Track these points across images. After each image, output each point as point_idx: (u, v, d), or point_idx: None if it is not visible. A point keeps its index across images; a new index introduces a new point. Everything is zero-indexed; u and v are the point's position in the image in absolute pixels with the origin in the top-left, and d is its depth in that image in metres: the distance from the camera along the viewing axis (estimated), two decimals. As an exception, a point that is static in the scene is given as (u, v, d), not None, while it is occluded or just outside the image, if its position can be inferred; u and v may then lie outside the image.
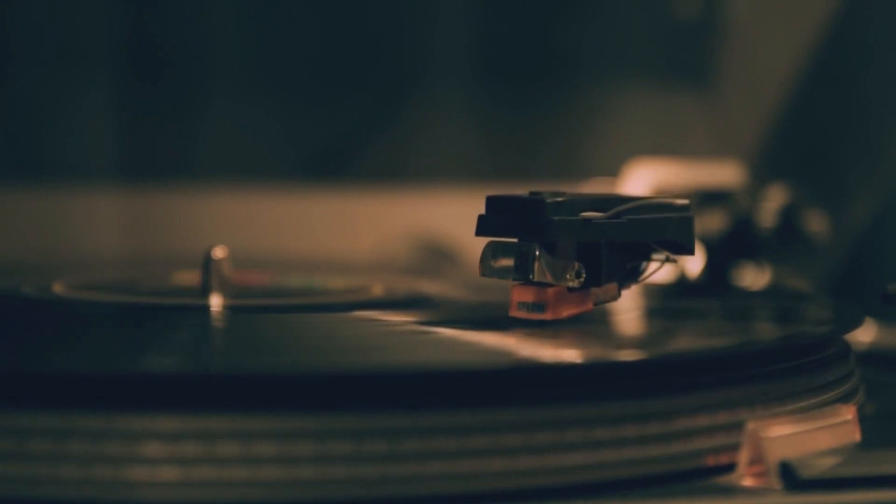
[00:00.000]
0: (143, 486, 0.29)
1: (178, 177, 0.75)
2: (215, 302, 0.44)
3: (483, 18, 0.79)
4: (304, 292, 0.50)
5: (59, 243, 0.73)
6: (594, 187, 0.67)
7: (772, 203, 0.59)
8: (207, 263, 0.45)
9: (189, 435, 0.29)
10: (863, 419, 0.36)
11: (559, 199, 0.37)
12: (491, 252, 0.38)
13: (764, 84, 0.76)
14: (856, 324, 0.41)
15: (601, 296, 0.39)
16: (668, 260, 0.40)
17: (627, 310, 0.43)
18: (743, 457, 0.33)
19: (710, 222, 0.59)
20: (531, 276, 0.37)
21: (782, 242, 0.59)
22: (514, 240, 0.38)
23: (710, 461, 0.33)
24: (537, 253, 0.37)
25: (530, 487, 0.31)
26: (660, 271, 0.40)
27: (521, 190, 0.39)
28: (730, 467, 0.33)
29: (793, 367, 0.36)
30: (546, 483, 0.31)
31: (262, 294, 0.50)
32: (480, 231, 0.38)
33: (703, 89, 0.79)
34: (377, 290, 0.49)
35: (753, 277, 0.58)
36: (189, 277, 0.50)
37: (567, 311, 0.38)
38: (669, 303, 0.49)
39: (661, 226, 0.39)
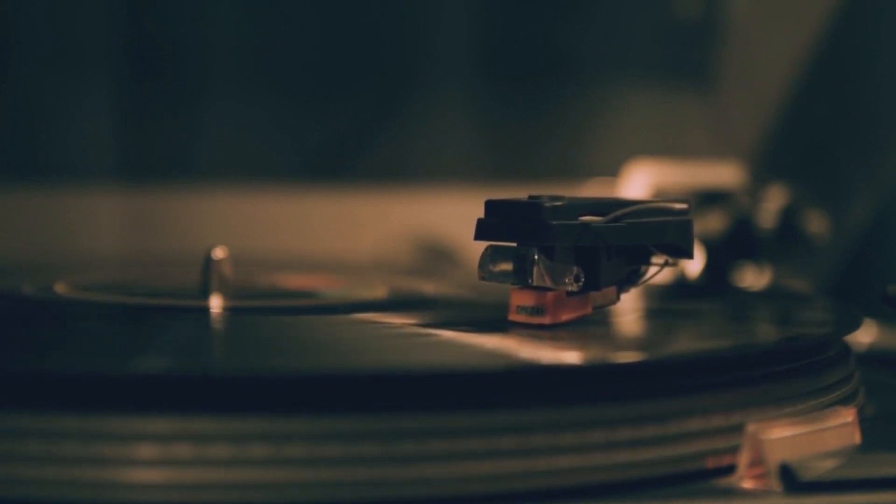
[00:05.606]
0: (142, 487, 0.29)
1: (178, 177, 0.75)
2: (215, 303, 0.44)
3: (484, 18, 0.79)
4: (304, 294, 0.50)
5: (59, 243, 0.73)
6: (594, 188, 0.67)
7: (771, 203, 0.59)
8: (207, 263, 0.45)
9: (184, 436, 0.29)
10: (863, 421, 0.36)
11: (557, 203, 0.37)
12: (490, 256, 0.38)
13: (764, 84, 0.76)
14: (856, 325, 0.41)
15: (600, 300, 0.39)
16: (667, 263, 0.40)
17: (627, 311, 0.43)
18: (743, 459, 0.33)
19: (710, 223, 0.59)
20: (530, 281, 0.37)
21: (782, 243, 0.59)
22: (513, 244, 0.38)
23: (711, 463, 0.33)
24: (536, 257, 0.37)
25: (529, 489, 0.31)
26: (659, 273, 0.40)
27: (521, 191, 0.39)
28: (730, 469, 0.33)
29: (793, 368, 0.36)
30: (545, 485, 0.31)
31: (262, 295, 0.50)
32: (479, 235, 0.38)
33: (703, 89, 0.79)
34: (376, 291, 0.49)
35: (753, 278, 0.58)
36: (189, 278, 0.50)
37: (566, 315, 0.38)
38: (669, 304, 0.49)
39: (660, 230, 0.39)
